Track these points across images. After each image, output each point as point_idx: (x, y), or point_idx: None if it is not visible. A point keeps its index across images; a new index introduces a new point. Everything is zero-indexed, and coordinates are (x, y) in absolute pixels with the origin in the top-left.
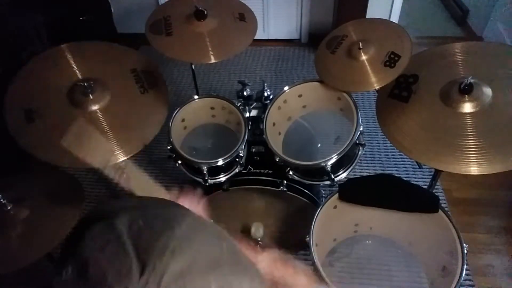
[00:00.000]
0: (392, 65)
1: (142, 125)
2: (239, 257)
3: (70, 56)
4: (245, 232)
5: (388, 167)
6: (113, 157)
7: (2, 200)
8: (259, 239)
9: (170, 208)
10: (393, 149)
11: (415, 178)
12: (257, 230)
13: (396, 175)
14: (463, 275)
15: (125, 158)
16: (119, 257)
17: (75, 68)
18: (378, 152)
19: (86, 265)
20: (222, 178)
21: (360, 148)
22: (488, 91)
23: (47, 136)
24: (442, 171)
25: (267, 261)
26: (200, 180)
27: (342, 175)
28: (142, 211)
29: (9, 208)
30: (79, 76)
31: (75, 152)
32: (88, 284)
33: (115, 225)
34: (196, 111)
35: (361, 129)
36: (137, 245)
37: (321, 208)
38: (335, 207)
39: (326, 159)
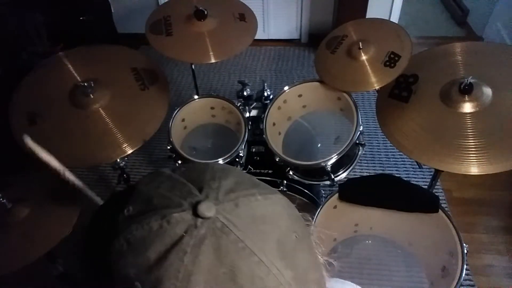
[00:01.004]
0: (392, 65)
1: (142, 121)
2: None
3: (68, 62)
4: None
5: (388, 167)
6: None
7: (2, 199)
8: None
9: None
10: (393, 149)
11: (415, 178)
12: None
13: (396, 175)
14: (463, 275)
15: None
16: (178, 187)
17: (75, 73)
18: (378, 152)
19: (149, 199)
20: None
21: (360, 148)
22: (488, 91)
23: (49, 137)
24: (442, 171)
25: None
26: None
27: (342, 175)
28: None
29: (9, 207)
30: (79, 79)
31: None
32: (156, 211)
33: (161, 171)
34: (196, 111)
35: (361, 129)
36: (189, 178)
37: (321, 208)
38: (335, 207)
39: (326, 159)
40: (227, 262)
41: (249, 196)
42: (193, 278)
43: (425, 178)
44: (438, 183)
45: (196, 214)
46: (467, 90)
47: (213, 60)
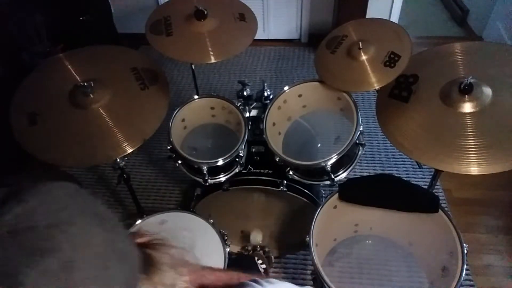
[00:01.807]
0: (392, 65)
1: (142, 121)
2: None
3: (68, 63)
4: (245, 232)
5: (388, 167)
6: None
7: None
8: (258, 245)
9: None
10: (393, 149)
11: (415, 178)
12: (255, 237)
13: (396, 175)
14: (463, 275)
15: (127, 152)
16: None
17: (75, 73)
18: (378, 152)
19: None
20: (222, 178)
21: (360, 148)
22: (488, 91)
23: (49, 137)
24: (442, 171)
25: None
26: (200, 180)
27: (342, 175)
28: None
29: None
30: (79, 79)
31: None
32: None
33: None
34: (196, 111)
35: (361, 129)
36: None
37: (321, 208)
38: (335, 207)
39: (326, 159)
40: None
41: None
42: None
43: (425, 178)
44: (438, 183)
45: None
46: (467, 90)
47: (213, 60)
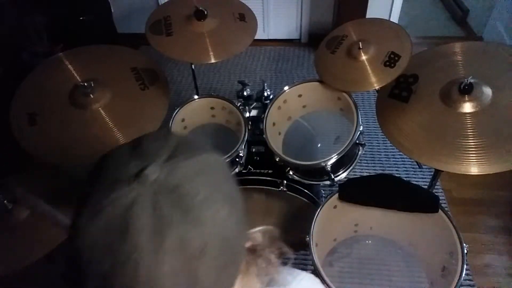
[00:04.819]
0: (392, 65)
1: (142, 121)
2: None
3: (68, 62)
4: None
5: (388, 167)
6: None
7: (2, 200)
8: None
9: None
10: (393, 149)
11: (415, 178)
12: (254, 238)
13: (396, 175)
14: (463, 275)
15: None
16: (122, 161)
17: (75, 73)
18: (378, 152)
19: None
20: None
21: (360, 148)
22: (488, 91)
23: (49, 138)
24: (442, 171)
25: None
26: None
27: (342, 175)
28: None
29: (9, 208)
30: (79, 79)
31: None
32: (105, 193)
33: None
34: (196, 111)
35: (361, 129)
36: (133, 153)
37: (321, 208)
38: (335, 207)
39: (326, 159)
40: (184, 208)
41: (187, 159)
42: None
43: (425, 178)
44: (438, 183)
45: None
46: (467, 90)
47: (213, 60)
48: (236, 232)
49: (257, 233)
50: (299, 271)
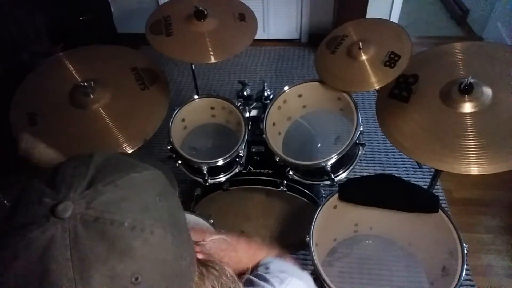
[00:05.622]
0: (392, 65)
1: (143, 121)
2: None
3: (68, 62)
4: (245, 232)
5: (388, 167)
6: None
7: (2, 200)
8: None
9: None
10: (393, 149)
11: (415, 178)
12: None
13: (396, 175)
14: (463, 275)
15: (127, 153)
16: (32, 195)
17: (75, 73)
18: (378, 152)
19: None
20: (222, 178)
21: (360, 148)
22: (488, 91)
23: (49, 137)
24: (442, 171)
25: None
26: (200, 180)
27: (342, 175)
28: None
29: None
30: (79, 79)
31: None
32: (18, 231)
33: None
34: (196, 111)
35: (361, 129)
36: (48, 182)
37: (321, 208)
38: (335, 207)
39: (326, 159)
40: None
41: (107, 185)
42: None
43: (425, 178)
44: (438, 183)
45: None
46: (467, 90)
47: (213, 60)
48: (175, 252)
49: (209, 243)
50: (286, 275)
